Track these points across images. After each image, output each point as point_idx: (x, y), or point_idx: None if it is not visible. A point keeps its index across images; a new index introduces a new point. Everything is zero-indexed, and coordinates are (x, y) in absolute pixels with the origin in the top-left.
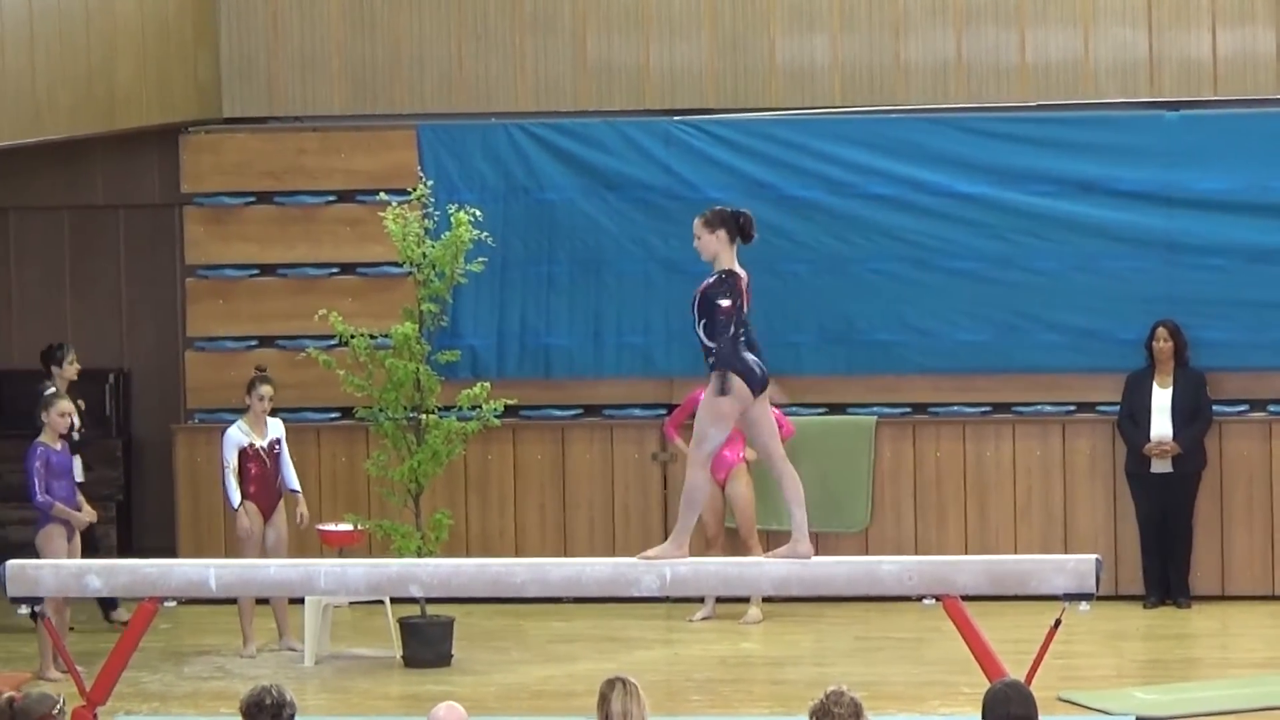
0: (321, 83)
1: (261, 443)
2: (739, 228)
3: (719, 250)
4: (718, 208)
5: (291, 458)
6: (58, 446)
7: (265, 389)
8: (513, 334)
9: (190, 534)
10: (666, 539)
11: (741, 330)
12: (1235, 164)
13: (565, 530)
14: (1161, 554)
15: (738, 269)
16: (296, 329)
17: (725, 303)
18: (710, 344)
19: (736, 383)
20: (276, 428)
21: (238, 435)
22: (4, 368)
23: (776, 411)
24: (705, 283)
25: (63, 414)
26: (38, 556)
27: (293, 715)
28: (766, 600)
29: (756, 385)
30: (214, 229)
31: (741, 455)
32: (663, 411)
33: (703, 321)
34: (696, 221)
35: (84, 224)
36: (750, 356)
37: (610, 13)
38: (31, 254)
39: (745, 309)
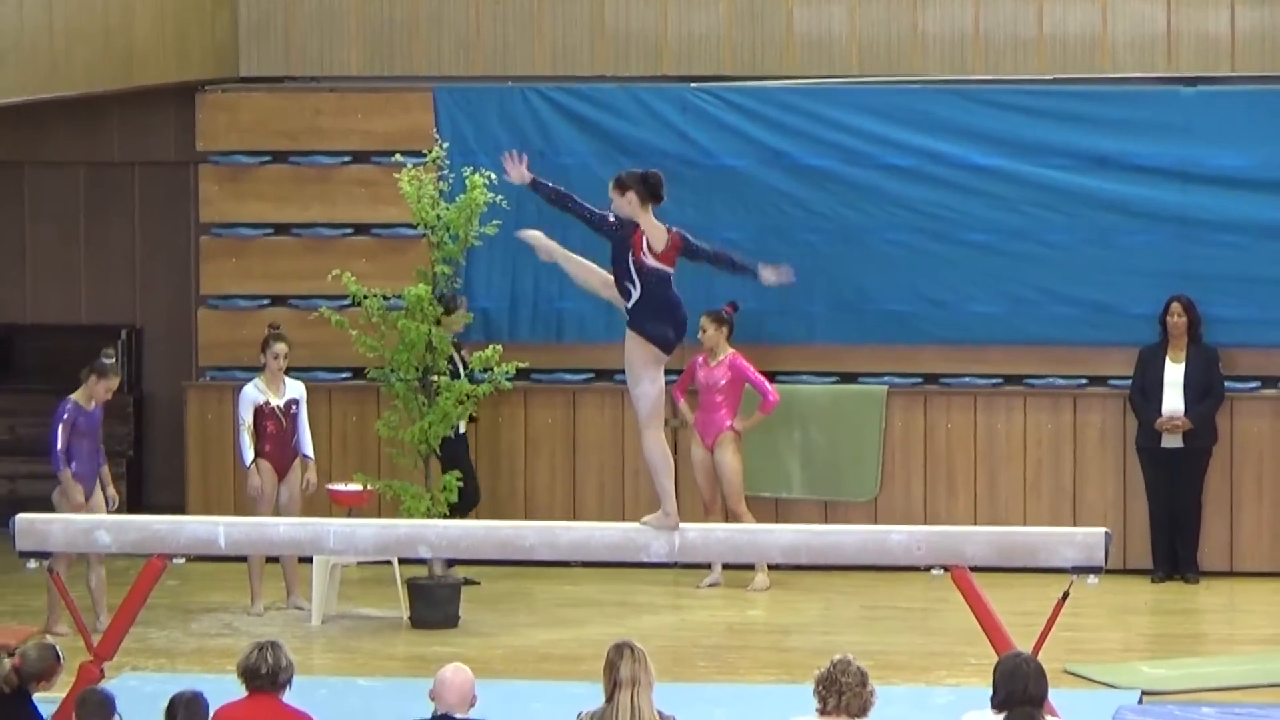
0: (339, 43)
1: (278, 401)
2: (649, 189)
3: (630, 214)
4: (628, 170)
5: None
6: (90, 407)
7: (280, 346)
8: (525, 297)
9: (200, 491)
10: (678, 505)
11: (664, 288)
12: (1252, 141)
13: (575, 494)
14: (1170, 529)
15: (651, 223)
16: (309, 289)
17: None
18: (624, 305)
19: (640, 340)
20: (295, 389)
21: (253, 393)
22: (17, 323)
23: (762, 379)
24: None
25: (109, 388)
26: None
27: (290, 677)
28: (774, 568)
29: (668, 348)
30: (229, 188)
31: (729, 424)
32: (673, 378)
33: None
34: (610, 186)
35: (99, 180)
36: (664, 316)
37: None
38: (46, 209)
39: (669, 266)
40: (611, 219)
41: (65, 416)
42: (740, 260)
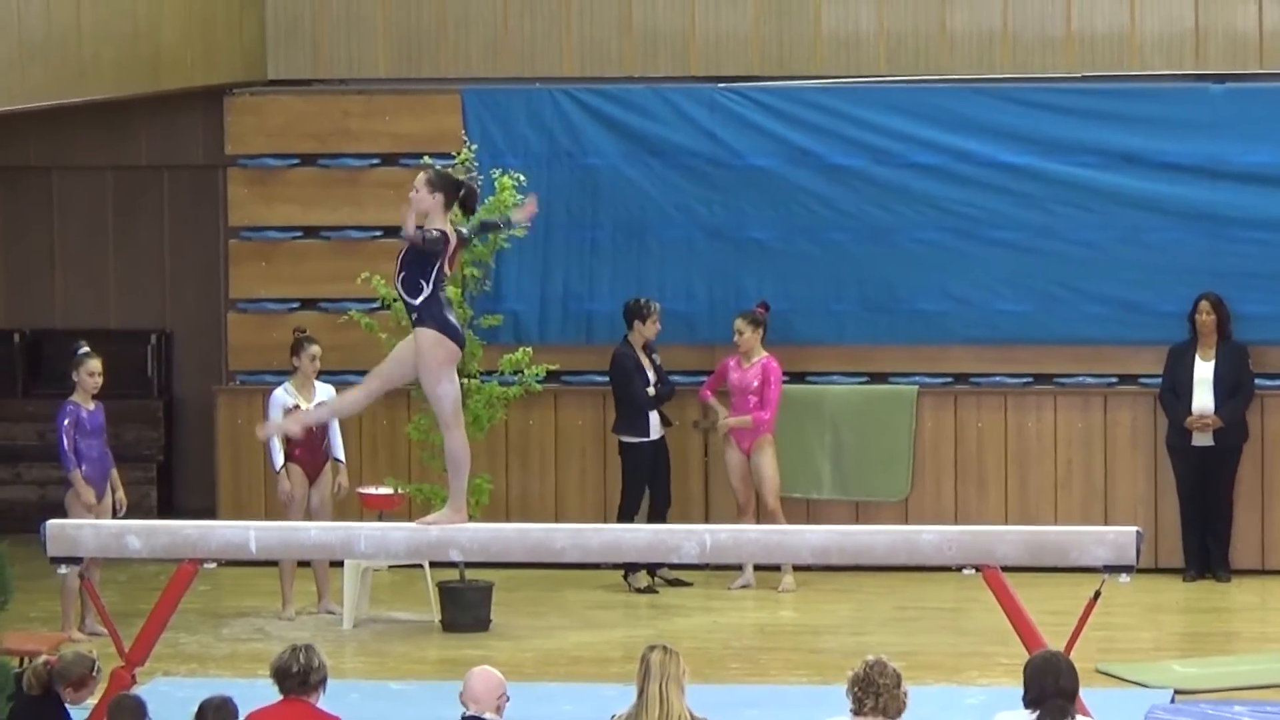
0: (366, 45)
1: (308, 405)
2: (460, 199)
3: (431, 210)
4: (444, 171)
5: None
6: (90, 406)
7: (315, 349)
8: (555, 299)
9: (230, 495)
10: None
11: (442, 288)
12: None
13: (606, 496)
14: (1201, 527)
15: (448, 229)
16: (338, 292)
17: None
18: (412, 301)
19: (441, 338)
20: (326, 392)
21: (283, 397)
22: (47, 327)
23: (775, 399)
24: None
25: (91, 373)
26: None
27: (324, 679)
28: (804, 569)
29: (461, 345)
30: (257, 191)
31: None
32: (704, 378)
33: (402, 275)
34: (420, 177)
35: (127, 184)
36: (451, 316)
37: None
38: (75, 214)
39: (447, 270)
40: (444, 241)
41: (66, 418)
42: (486, 220)
